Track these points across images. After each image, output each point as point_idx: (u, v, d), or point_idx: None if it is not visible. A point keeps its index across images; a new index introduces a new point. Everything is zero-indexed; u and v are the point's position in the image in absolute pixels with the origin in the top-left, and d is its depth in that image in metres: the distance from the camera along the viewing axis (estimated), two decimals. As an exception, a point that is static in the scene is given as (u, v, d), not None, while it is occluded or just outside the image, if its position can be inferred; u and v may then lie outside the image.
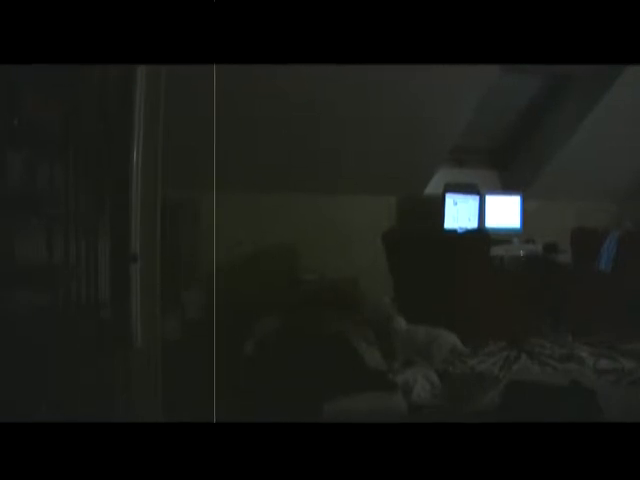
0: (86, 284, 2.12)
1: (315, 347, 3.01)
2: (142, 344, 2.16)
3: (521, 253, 4.84)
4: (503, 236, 4.91)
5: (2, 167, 2.04)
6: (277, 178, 4.39)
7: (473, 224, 5.02)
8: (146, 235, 2.20)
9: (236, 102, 3.82)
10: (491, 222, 5.09)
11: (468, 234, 4.44)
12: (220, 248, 4.25)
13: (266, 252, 4.48)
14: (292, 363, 2.88)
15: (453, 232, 4.67)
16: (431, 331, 3.45)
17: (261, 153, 4.25)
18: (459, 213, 4.96)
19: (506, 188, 5.46)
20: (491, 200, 5.16)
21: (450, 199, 4.91)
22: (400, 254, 3.96)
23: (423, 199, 5.11)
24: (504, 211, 5.17)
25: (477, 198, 5.09)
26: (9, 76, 1.99)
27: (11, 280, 1.98)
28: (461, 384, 2.94)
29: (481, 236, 4.18)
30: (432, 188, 5.11)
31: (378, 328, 3.57)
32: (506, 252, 4.75)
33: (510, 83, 4.90)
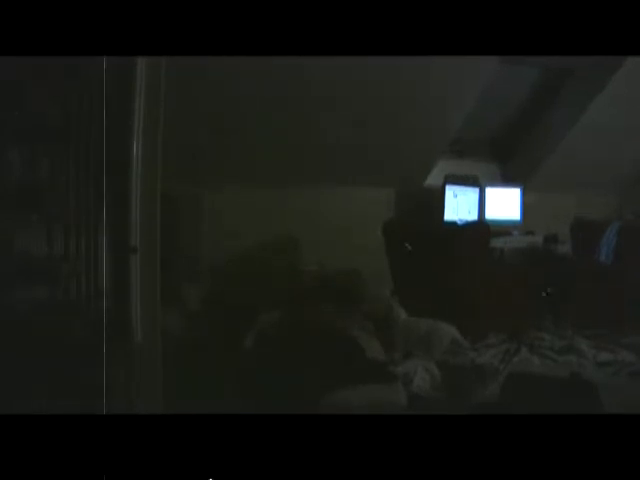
0: (86, 277, 2.12)
1: (315, 339, 3.02)
2: (142, 337, 2.16)
3: (521, 245, 4.84)
4: (503, 228, 4.90)
5: (2, 161, 2.04)
6: (277, 170, 4.39)
7: (473, 216, 5.01)
8: (146, 228, 2.20)
9: (236, 95, 3.82)
10: (491, 214, 5.09)
11: (468, 226, 4.44)
12: (219, 241, 4.25)
13: (266, 244, 4.47)
14: (292, 355, 2.89)
15: (453, 224, 4.67)
16: (431, 323, 3.46)
17: (261, 146, 4.24)
18: (459, 205, 4.96)
19: (506, 180, 5.46)
20: (491, 192, 5.15)
21: (450, 191, 4.91)
22: (400, 245, 3.96)
23: (423, 191, 5.10)
24: (504, 203, 5.16)
25: (477, 190, 5.08)
26: (9, 69, 1.98)
27: (11, 274, 1.98)
28: (461, 376, 2.95)
29: (481, 228, 4.18)
30: (432, 180, 5.10)
31: (378, 320, 3.58)
32: (506, 244, 4.74)
33: (510, 75, 4.89)
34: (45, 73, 2.08)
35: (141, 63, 2.18)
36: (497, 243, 4.56)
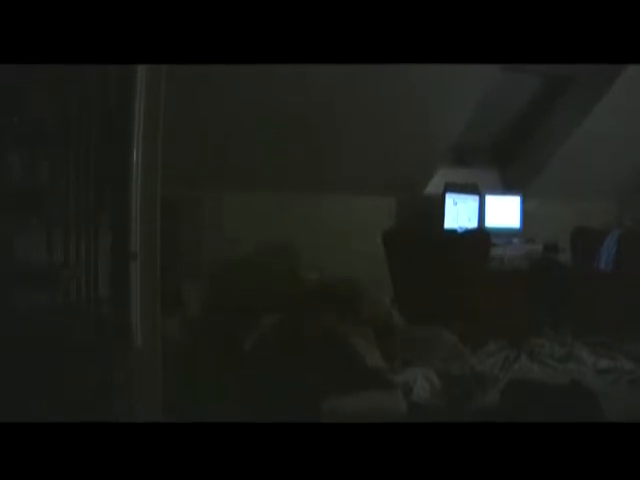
0: (86, 282, 2.11)
1: (315, 346, 3.02)
2: (142, 342, 2.16)
3: (521, 253, 4.83)
4: (503, 236, 4.90)
5: (3, 166, 2.04)
6: (277, 177, 4.39)
7: (473, 224, 5.01)
8: (146, 233, 2.20)
9: (236, 101, 3.82)
10: (491, 222, 5.09)
11: (468, 234, 4.44)
12: (220, 246, 4.25)
13: (266, 251, 4.47)
14: (291, 362, 2.88)
15: (453, 232, 4.67)
16: (431, 331, 3.45)
17: (261, 151, 4.25)
18: (459, 213, 4.96)
19: (506, 188, 5.46)
20: (491, 200, 5.15)
21: (450, 199, 4.90)
22: (400, 253, 3.96)
23: (423, 199, 5.10)
24: (504, 211, 5.16)
25: (477, 198, 5.08)
26: (10, 76, 1.99)
27: (11, 278, 1.97)
28: (461, 384, 2.94)
29: (481, 236, 4.18)
30: (432, 188, 5.10)
31: (378, 327, 3.57)
32: (506, 252, 4.74)
33: (510, 82, 4.90)
34: (46, 80, 2.08)
35: (141, 70, 2.18)
36: (497, 251, 4.56)
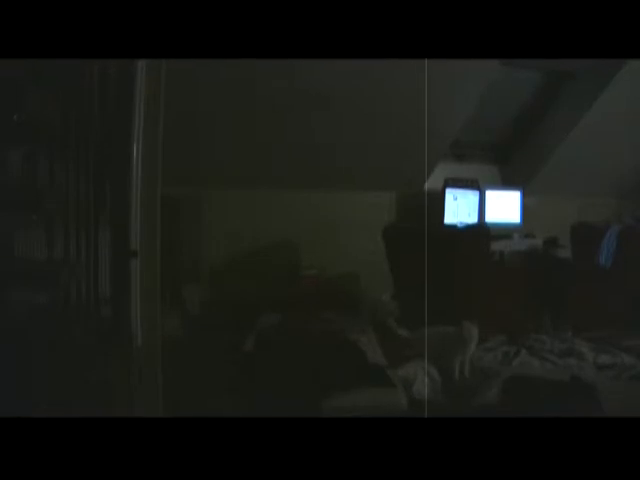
0: (86, 281, 2.11)
1: (315, 343, 3.02)
2: (142, 340, 2.16)
3: (521, 248, 4.83)
4: (503, 231, 4.90)
5: (2, 163, 2.04)
6: (277, 174, 4.39)
7: (473, 219, 5.01)
8: (146, 231, 2.20)
9: (235, 97, 3.82)
10: (491, 217, 5.09)
11: (468, 229, 4.44)
12: (220, 244, 4.26)
13: (266, 248, 4.48)
14: (292, 359, 2.89)
15: (453, 227, 4.67)
16: (431, 326, 3.45)
17: (260, 148, 4.24)
18: (459, 208, 4.96)
19: (506, 183, 5.46)
20: (491, 195, 5.16)
21: (450, 194, 4.91)
22: (400, 249, 3.96)
23: (423, 194, 5.10)
24: (504, 206, 5.17)
25: (477, 193, 5.08)
26: (9, 71, 1.98)
27: (10, 277, 1.97)
28: (461, 379, 2.95)
29: (481, 231, 4.18)
30: (432, 183, 5.11)
31: (378, 323, 3.57)
32: (506, 247, 4.74)
33: (510, 78, 4.89)
34: (45, 76, 2.08)
35: (141, 66, 2.18)
36: (497, 246, 4.56)
